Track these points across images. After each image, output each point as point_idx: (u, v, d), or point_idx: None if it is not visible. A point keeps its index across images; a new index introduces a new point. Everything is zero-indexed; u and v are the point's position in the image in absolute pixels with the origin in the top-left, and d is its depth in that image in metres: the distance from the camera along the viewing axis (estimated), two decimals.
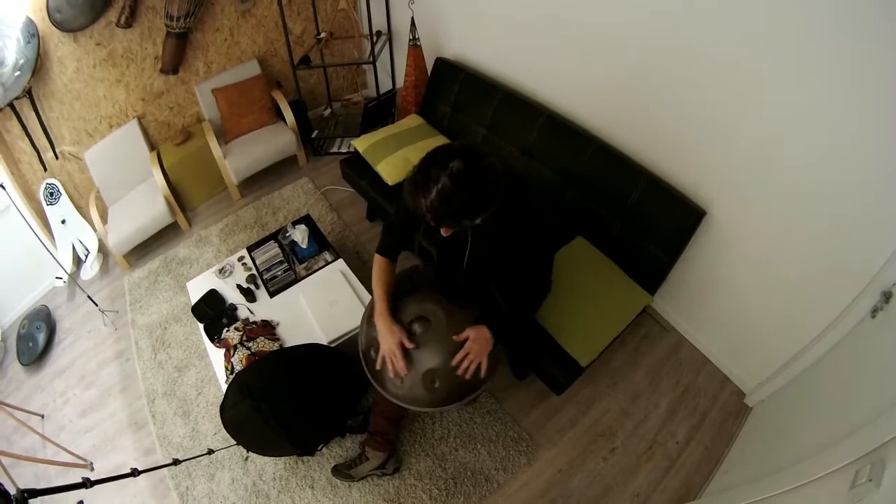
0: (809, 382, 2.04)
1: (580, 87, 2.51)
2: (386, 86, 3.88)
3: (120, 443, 2.51)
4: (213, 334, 2.39)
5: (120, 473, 1.52)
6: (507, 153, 2.69)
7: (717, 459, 2.26)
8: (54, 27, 2.73)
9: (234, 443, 2.09)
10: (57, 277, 3.22)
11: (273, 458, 2.29)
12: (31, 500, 1.18)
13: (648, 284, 2.27)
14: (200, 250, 3.27)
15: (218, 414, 2.09)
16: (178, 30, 3.08)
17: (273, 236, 2.80)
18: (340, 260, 2.65)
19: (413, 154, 2.74)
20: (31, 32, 2.66)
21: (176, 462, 1.87)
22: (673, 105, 2.13)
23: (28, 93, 2.80)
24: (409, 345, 1.56)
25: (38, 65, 2.74)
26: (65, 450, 2.40)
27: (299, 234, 2.72)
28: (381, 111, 3.71)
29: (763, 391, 2.34)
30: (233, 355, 2.25)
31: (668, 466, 2.26)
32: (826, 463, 1.34)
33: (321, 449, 2.29)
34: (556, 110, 2.64)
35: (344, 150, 3.81)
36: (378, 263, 1.73)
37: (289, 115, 3.52)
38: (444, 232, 1.44)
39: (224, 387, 2.16)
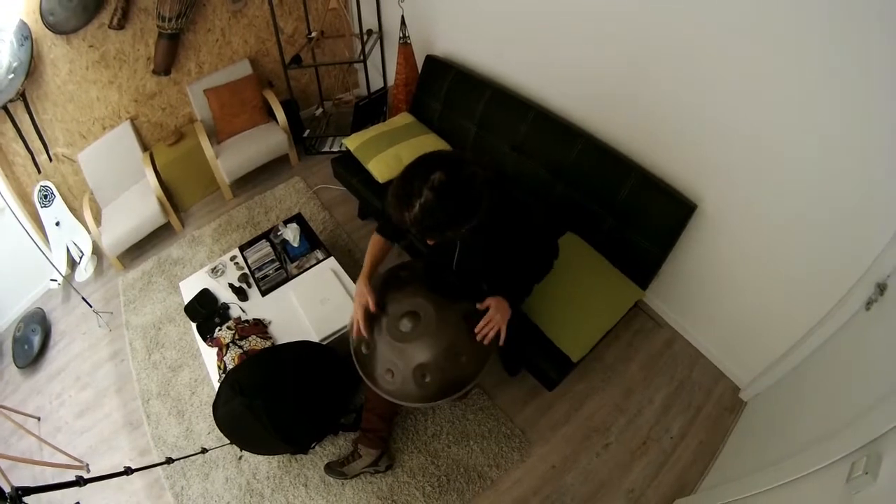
0: (804, 376, 2.03)
1: (570, 82, 2.51)
2: (377, 84, 3.88)
3: (116, 443, 2.51)
4: (206, 333, 2.39)
5: (113, 472, 1.53)
6: (497, 149, 2.69)
7: (713, 454, 2.26)
8: (47, 29, 2.73)
9: (228, 442, 2.09)
10: (52, 279, 3.22)
11: (266, 456, 2.29)
12: (27, 502, 1.19)
13: (640, 279, 2.27)
14: (193, 250, 3.27)
15: (211, 413, 2.09)
16: (169, 31, 3.08)
17: (265, 235, 2.80)
18: (332, 258, 2.65)
19: (404, 152, 2.75)
20: (25, 35, 2.67)
21: (169, 461, 1.88)
22: (663, 99, 2.13)
23: (22, 95, 2.80)
24: (372, 308, 1.62)
25: (31, 67, 2.75)
26: (61, 451, 2.41)
27: (291, 233, 2.72)
28: (372, 110, 3.71)
29: (758, 385, 2.34)
30: (225, 354, 2.25)
31: (663, 462, 2.25)
32: (822, 456, 1.33)
33: (314, 447, 2.29)
34: (546, 106, 2.64)
35: (335, 149, 3.82)
36: (374, 240, 1.82)
37: (280, 115, 3.53)
38: (429, 241, 1.45)
39: (217, 386, 2.16)
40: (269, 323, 2.41)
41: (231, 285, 2.56)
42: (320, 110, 4.14)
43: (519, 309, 1.74)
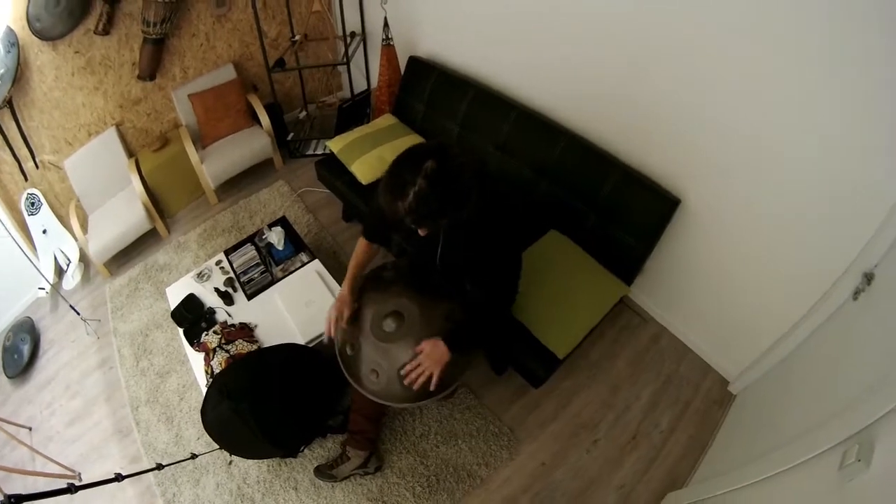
0: (793, 367, 2.04)
1: (552, 81, 2.51)
2: (360, 86, 3.89)
3: (106, 451, 2.50)
4: (193, 339, 2.39)
5: (104, 479, 1.53)
6: (480, 149, 2.69)
7: (703, 448, 2.26)
8: (34, 36, 2.72)
9: (217, 447, 2.09)
10: (40, 288, 3.21)
11: (256, 460, 2.29)
12: None
13: (624, 275, 2.27)
14: (179, 256, 3.26)
15: (200, 418, 2.09)
16: (154, 36, 3.07)
17: (250, 239, 2.80)
18: (316, 260, 2.65)
19: (387, 153, 2.74)
20: (12, 41, 2.66)
21: (159, 467, 1.87)
22: (644, 95, 2.13)
23: (8, 102, 2.79)
24: (344, 322, 1.70)
25: (18, 74, 2.74)
26: (53, 461, 2.39)
27: (275, 236, 2.72)
28: (355, 112, 3.71)
29: (746, 378, 2.34)
30: (212, 359, 2.25)
31: (653, 457, 2.25)
32: (813, 445, 1.34)
33: (303, 450, 2.29)
34: (529, 105, 2.64)
35: (319, 151, 3.82)
36: (359, 244, 1.85)
37: (264, 119, 3.53)
38: (421, 232, 1.45)
39: (205, 391, 2.16)
40: (256, 326, 2.41)
41: (217, 290, 2.55)
42: (304, 113, 4.14)
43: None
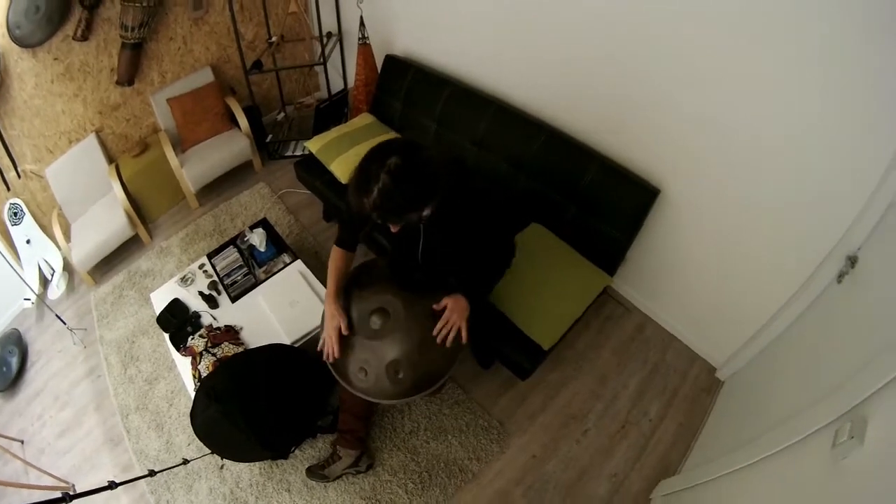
0: (781, 352, 2.05)
1: (527, 75, 2.52)
2: (337, 86, 3.88)
3: (98, 461, 2.49)
4: (179, 343, 2.38)
5: (97, 487, 1.53)
6: (458, 145, 2.69)
7: (693, 435, 2.28)
8: (14, 43, 2.68)
9: (209, 451, 2.08)
10: (25, 299, 3.19)
11: (248, 463, 2.29)
12: None
13: (607, 265, 2.28)
14: (162, 261, 3.25)
15: (190, 423, 2.08)
16: (133, 40, 3.04)
17: (232, 242, 2.79)
18: (299, 261, 2.65)
19: (365, 151, 2.72)
20: None
21: (152, 473, 1.87)
22: (619, 87, 2.14)
23: None
24: (345, 331, 1.62)
25: None
26: (46, 473, 2.38)
27: (257, 238, 2.72)
28: (333, 112, 3.71)
29: (734, 365, 2.36)
30: (199, 363, 2.25)
31: (643, 445, 2.27)
32: (805, 426, 1.35)
33: (294, 451, 2.29)
34: (506, 100, 2.65)
35: (298, 153, 3.81)
36: (334, 252, 1.79)
37: (243, 121, 3.51)
38: (392, 228, 1.46)
39: (193, 395, 2.15)
40: (241, 329, 2.41)
41: (201, 293, 2.54)
42: (282, 115, 4.12)
43: (483, 303, 1.73)
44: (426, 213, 1.38)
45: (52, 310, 2.98)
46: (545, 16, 2.25)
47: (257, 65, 3.53)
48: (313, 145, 2.94)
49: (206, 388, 2.00)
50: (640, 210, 2.16)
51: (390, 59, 3.06)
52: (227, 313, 2.49)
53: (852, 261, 1.66)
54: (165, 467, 2.07)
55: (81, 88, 3.10)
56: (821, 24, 1.48)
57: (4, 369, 2.89)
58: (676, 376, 2.47)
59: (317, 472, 2.17)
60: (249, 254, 2.71)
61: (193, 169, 3.34)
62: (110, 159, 3.36)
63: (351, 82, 3.67)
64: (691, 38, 1.80)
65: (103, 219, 3.19)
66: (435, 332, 1.56)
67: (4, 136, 2.90)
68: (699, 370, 2.49)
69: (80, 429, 2.63)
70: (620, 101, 2.17)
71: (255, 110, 3.72)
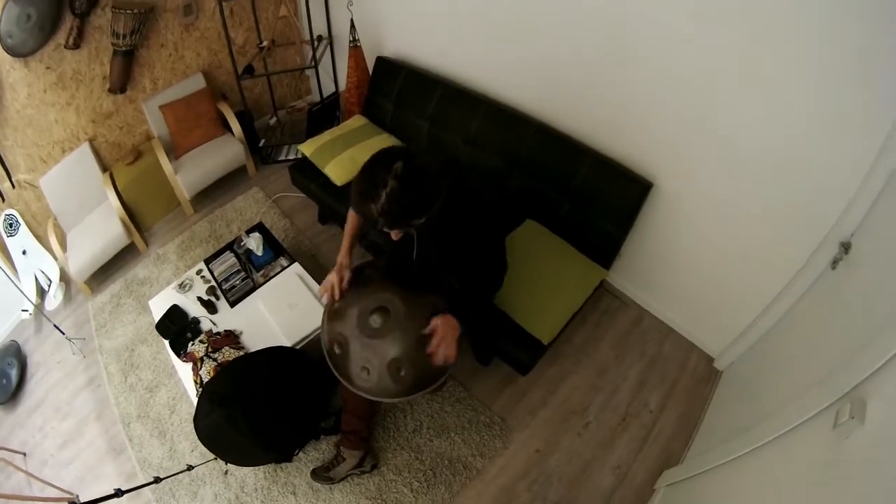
0: (777, 339, 2.07)
1: (518, 73, 2.53)
2: (329, 89, 3.89)
3: (101, 471, 2.48)
4: (179, 349, 2.38)
5: (104, 495, 1.53)
6: (451, 144, 2.70)
7: (695, 425, 2.30)
8: (6, 53, 2.67)
9: (212, 457, 2.08)
10: (23, 310, 3.17)
11: (252, 468, 2.29)
12: None
13: (602, 259, 2.30)
14: (159, 268, 3.24)
15: (193, 429, 2.07)
16: (124, 48, 3.04)
17: (229, 247, 2.79)
18: (296, 264, 2.65)
19: (359, 153, 2.75)
20: None
21: (157, 480, 1.87)
22: (611, 82, 2.16)
23: None
24: (338, 293, 1.68)
25: None
26: (50, 485, 2.37)
27: (254, 242, 2.72)
28: (325, 115, 3.72)
29: (731, 354, 2.38)
30: (200, 368, 2.24)
31: (645, 436, 2.29)
32: (804, 409, 1.36)
33: (297, 454, 2.30)
34: (497, 98, 2.66)
35: (291, 156, 3.83)
36: (350, 215, 1.87)
37: (236, 127, 3.52)
38: (394, 236, 1.48)
39: (195, 401, 2.15)
40: (241, 333, 2.40)
41: (200, 299, 2.54)
42: (274, 119, 4.12)
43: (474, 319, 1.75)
44: (427, 218, 1.40)
45: (50, 320, 2.97)
46: (536, 14, 2.26)
47: (249, 70, 3.53)
48: (307, 148, 2.94)
49: (209, 392, 2.00)
50: (633, 204, 2.18)
51: (381, 61, 3.07)
52: (227, 318, 2.49)
53: (846, 247, 1.68)
54: (170, 474, 2.07)
55: (74, 97, 3.09)
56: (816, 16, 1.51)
57: (4, 381, 2.87)
58: (675, 367, 2.49)
59: (321, 475, 2.17)
60: (247, 258, 2.71)
61: (187, 175, 3.34)
62: (104, 168, 3.35)
63: (342, 85, 3.67)
64: (685, 39, 1.82)
65: (99, 228, 3.18)
66: (429, 351, 1.55)
67: None
68: (697, 361, 2.52)
69: (82, 439, 2.62)
70: (611, 97, 2.18)
71: (247, 115, 3.73)
